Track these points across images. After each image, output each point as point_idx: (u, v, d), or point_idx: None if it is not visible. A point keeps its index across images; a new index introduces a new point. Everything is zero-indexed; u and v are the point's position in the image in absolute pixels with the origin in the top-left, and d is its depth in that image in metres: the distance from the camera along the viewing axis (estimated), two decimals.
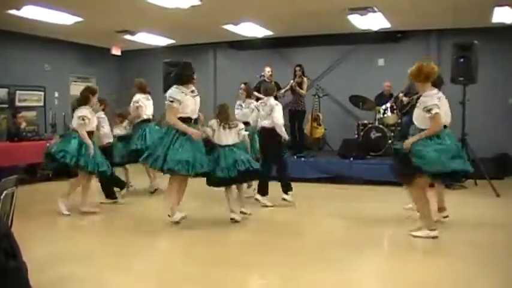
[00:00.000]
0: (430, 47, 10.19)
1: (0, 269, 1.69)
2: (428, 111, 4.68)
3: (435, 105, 4.68)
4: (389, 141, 9.01)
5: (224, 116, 5.74)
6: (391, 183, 7.65)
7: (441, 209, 5.54)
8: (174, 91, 5.41)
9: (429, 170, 4.65)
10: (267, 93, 6.79)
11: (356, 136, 9.58)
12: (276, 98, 9.47)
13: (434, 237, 4.83)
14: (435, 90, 4.89)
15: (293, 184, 8.43)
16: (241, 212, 5.92)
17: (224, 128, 5.68)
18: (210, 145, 5.73)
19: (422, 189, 4.88)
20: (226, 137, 5.67)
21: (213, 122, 5.74)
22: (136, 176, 7.88)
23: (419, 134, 4.76)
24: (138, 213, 6.44)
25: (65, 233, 5.45)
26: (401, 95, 8.70)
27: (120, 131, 7.60)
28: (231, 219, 5.65)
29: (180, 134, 5.29)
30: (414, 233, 4.92)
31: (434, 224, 4.94)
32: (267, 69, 9.58)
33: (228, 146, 5.63)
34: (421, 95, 4.86)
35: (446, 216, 5.50)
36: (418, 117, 4.85)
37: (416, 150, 4.70)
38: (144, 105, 7.55)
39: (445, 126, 4.92)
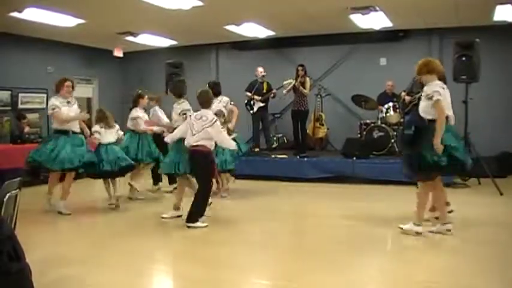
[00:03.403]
0: (432, 45, 10.16)
1: (3, 271, 1.69)
2: (430, 98, 4.75)
3: (436, 92, 4.73)
4: (392, 140, 9.01)
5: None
6: (394, 182, 7.68)
7: (447, 203, 5.48)
8: None
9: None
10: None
11: (359, 135, 9.58)
12: (267, 98, 9.64)
13: (417, 233, 4.91)
14: (439, 82, 4.91)
15: (296, 184, 8.50)
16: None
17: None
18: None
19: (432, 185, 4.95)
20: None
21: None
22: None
23: (436, 131, 4.73)
24: (137, 215, 6.44)
25: (67, 235, 5.46)
26: (403, 94, 8.69)
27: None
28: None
29: None
30: (403, 226, 5.03)
31: (421, 220, 4.98)
32: (260, 69, 9.67)
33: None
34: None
35: (451, 211, 5.49)
36: (423, 107, 4.90)
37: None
38: None
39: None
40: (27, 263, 1.86)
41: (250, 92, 9.47)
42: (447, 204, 5.49)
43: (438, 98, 4.70)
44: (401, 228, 5.05)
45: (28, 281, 1.84)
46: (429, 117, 4.83)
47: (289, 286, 3.75)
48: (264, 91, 9.63)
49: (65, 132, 6.24)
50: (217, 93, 7.22)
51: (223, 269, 4.13)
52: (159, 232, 5.54)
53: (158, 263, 4.49)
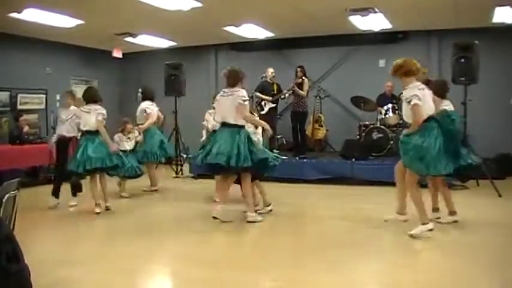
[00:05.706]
0: (431, 47, 10.18)
1: (2, 272, 1.68)
2: (408, 102, 4.75)
3: (414, 96, 4.72)
4: (391, 141, 9.01)
5: None
6: (393, 184, 7.66)
7: (435, 209, 5.58)
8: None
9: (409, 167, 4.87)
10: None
11: (358, 137, 9.57)
12: (278, 99, 9.64)
13: (430, 230, 4.84)
14: (417, 83, 4.89)
15: (295, 185, 8.49)
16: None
17: None
18: None
19: (414, 182, 4.96)
20: None
21: None
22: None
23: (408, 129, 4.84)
24: (138, 216, 6.44)
25: (66, 236, 5.45)
26: (402, 95, 8.69)
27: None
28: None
29: None
30: (411, 232, 4.90)
31: (427, 218, 4.93)
32: (270, 70, 9.66)
33: None
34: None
35: (439, 218, 5.50)
36: (405, 111, 4.93)
37: (401, 145, 4.86)
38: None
39: (432, 119, 4.86)
40: (26, 264, 1.86)
41: (261, 93, 9.50)
42: (436, 210, 5.55)
43: (416, 103, 4.69)
44: (412, 235, 4.88)
45: (27, 282, 1.83)
46: (410, 120, 4.87)
47: (290, 287, 3.75)
48: (274, 92, 9.62)
49: None
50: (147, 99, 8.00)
51: (223, 270, 4.11)
52: (158, 232, 5.53)
53: (158, 264, 4.48)
